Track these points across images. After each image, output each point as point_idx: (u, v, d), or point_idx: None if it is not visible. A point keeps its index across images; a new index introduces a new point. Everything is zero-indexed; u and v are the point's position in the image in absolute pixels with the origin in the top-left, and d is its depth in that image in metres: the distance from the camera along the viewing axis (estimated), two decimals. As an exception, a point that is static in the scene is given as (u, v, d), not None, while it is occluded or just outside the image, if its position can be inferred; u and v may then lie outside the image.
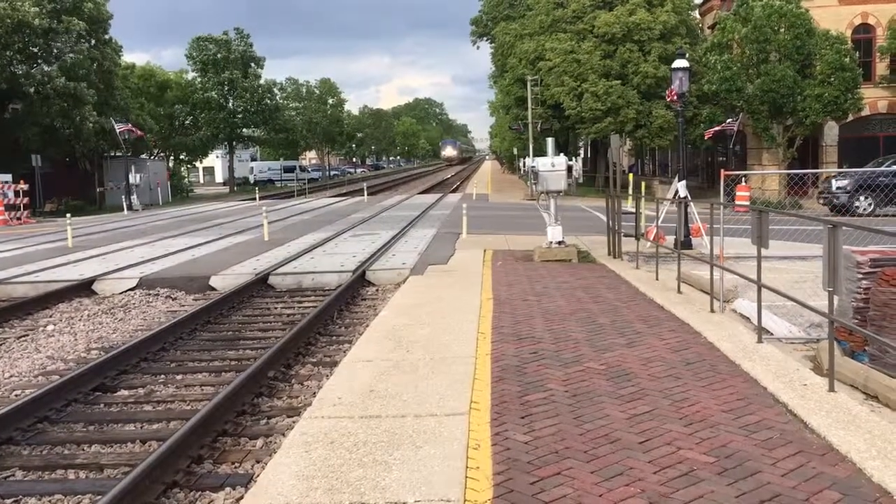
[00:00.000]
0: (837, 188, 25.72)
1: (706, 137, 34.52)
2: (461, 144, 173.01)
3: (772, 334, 8.29)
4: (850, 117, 34.14)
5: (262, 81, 68.79)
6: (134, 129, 40.12)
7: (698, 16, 46.39)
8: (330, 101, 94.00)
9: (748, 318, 9.11)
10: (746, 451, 4.86)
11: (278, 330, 10.10)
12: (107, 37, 43.91)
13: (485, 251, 15.73)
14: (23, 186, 33.02)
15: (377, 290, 12.89)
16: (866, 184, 24.35)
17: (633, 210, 17.18)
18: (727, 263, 10.26)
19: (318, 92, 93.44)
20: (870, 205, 24.68)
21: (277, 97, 75.92)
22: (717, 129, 33.18)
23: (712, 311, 9.30)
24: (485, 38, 52.31)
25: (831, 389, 5.95)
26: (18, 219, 32.09)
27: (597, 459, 4.77)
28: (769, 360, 6.96)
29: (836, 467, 4.60)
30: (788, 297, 7.53)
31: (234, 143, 69.90)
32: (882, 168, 25.60)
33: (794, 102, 32.44)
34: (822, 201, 26.40)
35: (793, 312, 9.10)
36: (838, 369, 6.33)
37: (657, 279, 11.81)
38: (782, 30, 32.63)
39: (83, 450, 6.07)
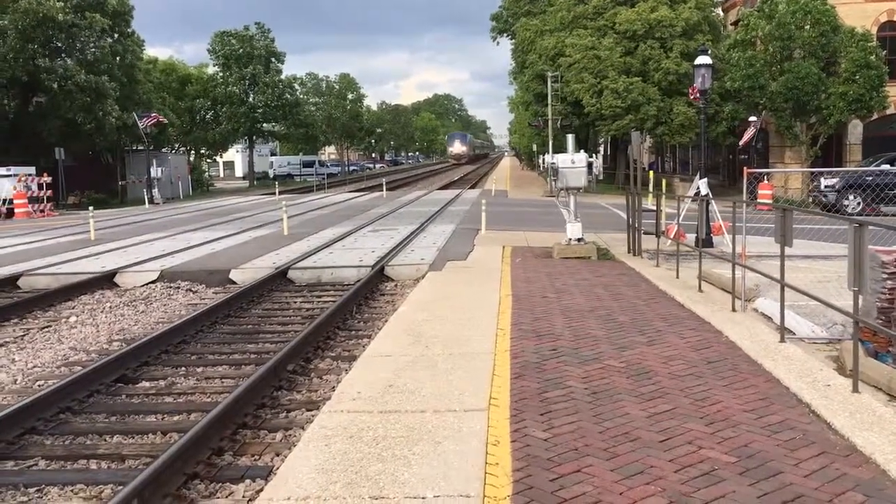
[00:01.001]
0: (826, 187, 25.80)
1: (742, 144, 33.78)
2: (473, 139, 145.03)
3: (794, 334, 8.21)
4: (875, 115, 33.75)
5: (282, 76, 69.10)
6: (157, 116, 40.33)
7: (721, 12, 46.01)
8: (349, 96, 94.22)
9: (770, 317, 9.03)
10: (769, 451, 4.82)
11: (297, 324, 10.14)
12: (129, 30, 44.24)
13: (504, 247, 15.70)
14: (46, 179, 33.36)
15: (396, 286, 12.90)
16: (855, 183, 24.35)
17: (654, 207, 17.10)
18: (748, 262, 10.17)
19: (337, 87, 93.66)
20: (858, 204, 24.70)
21: (297, 92, 76.22)
22: (748, 136, 32.51)
23: (734, 309, 9.23)
24: (505, 34, 52.20)
25: (855, 390, 5.89)
26: (42, 211, 32.43)
27: (617, 457, 4.74)
28: (792, 359, 6.89)
29: (860, 469, 4.55)
30: (812, 296, 7.46)
31: (254, 137, 70.26)
32: (870, 168, 25.59)
33: (818, 100, 32.10)
34: (811, 200, 26.29)
35: (815, 312, 9.00)
36: (862, 370, 6.25)
37: (677, 277, 11.74)
38: (807, 27, 32.28)
39: (105, 440, 6.13)
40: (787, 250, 7.86)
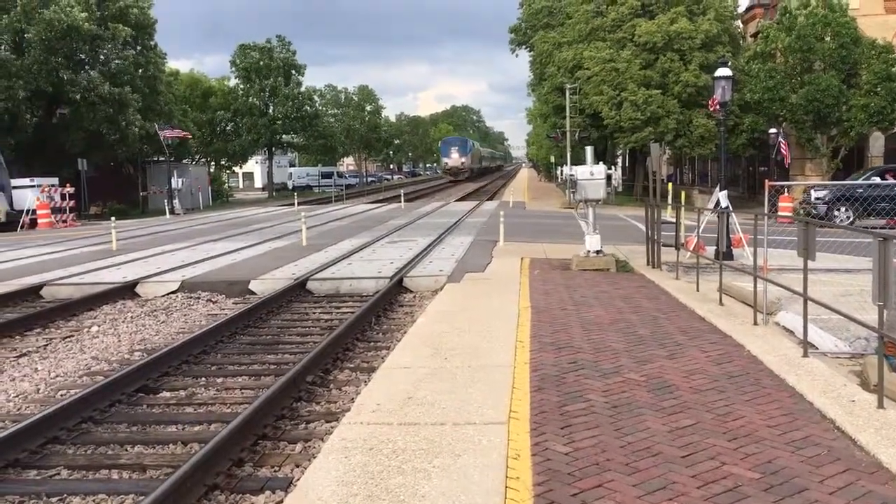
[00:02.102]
0: (816, 199, 25.91)
1: (786, 163, 33.24)
2: (478, 147, 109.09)
3: (817, 348, 8.13)
4: (897, 128, 33.47)
5: (302, 88, 69.60)
6: (183, 133, 40.67)
7: (741, 24, 45.85)
8: (368, 107, 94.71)
9: (792, 331, 8.95)
10: (793, 467, 4.77)
11: (316, 335, 10.16)
12: (151, 43, 44.76)
13: (522, 259, 15.68)
14: (69, 190, 33.71)
15: (414, 297, 12.91)
16: (844, 195, 24.38)
17: (673, 220, 17.01)
18: (770, 275, 10.08)
19: (356, 99, 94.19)
20: (848, 216, 24.70)
21: (317, 104, 76.73)
22: (785, 151, 32.07)
23: (755, 323, 9.15)
24: (523, 47, 52.14)
25: (880, 406, 5.81)
26: (64, 221, 32.76)
27: (638, 472, 4.71)
28: (815, 374, 6.82)
29: (886, 486, 4.49)
30: (835, 310, 7.38)
31: (273, 149, 70.74)
32: (859, 181, 25.67)
33: (838, 112, 31.87)
34: (801, 212, 26.19)
35: (838, 326, 8.90)
36: (887, 385, 6.17)
37: (698, 290, 11.66)
38: (827, 39, 32.11)
39: (126, 450, 6.16)
40: (809, 264, 7.79)
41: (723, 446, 5.13)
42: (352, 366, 8.63)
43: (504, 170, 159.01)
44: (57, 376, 8.46)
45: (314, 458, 5.30)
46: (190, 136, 40.35)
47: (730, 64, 17.10)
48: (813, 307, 7.80)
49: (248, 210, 43.26)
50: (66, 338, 10.32)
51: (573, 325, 9.19)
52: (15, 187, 33.14)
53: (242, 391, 7.76)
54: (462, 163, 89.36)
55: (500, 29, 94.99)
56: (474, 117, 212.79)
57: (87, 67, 41.23)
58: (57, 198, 32.93)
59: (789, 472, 4.70)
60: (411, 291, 13.31)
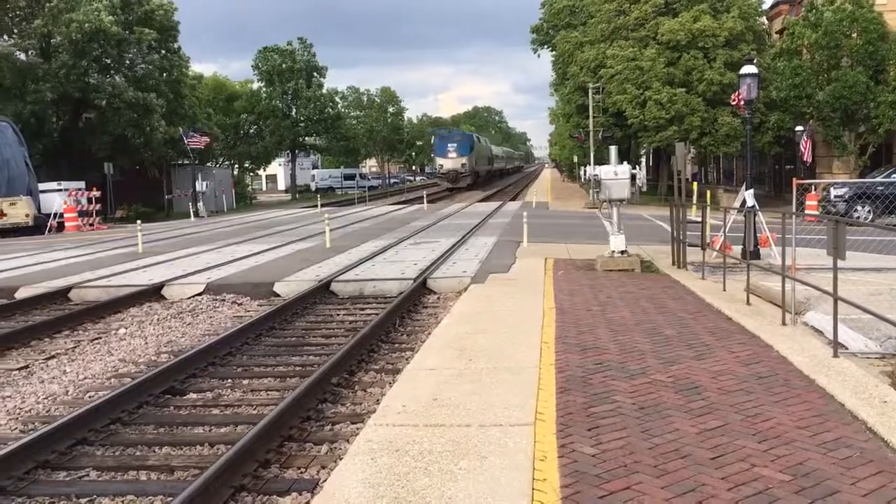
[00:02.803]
0: (835, 196, 25.46)
1: (806, 162, 32.91)
2: (484, 145, 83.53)
3: (847, 348, 8.01)
4: (926, 124, 32.96)
5: (324, 91, 69.94)
6: (205, 140, 40.94)
7: (766, 21, 45.41)
8: (390, 109, 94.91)
9: (821, 331, 8.83)
10: (824, 469, 4.69)
11: (341, 336, 10.18)
12: (175, 46, 45.20)
13: (546, 260, 15.61)
14: (95, 193, 34.11)
15: (438, 298, 12.90)
16: (864, 193, 23.99)
17: (698, 219, 16.86)
18: (798, 274, 9.96)
19: (378, 101, 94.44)
20: (868, 213, 24.30)
21: (339, 106, 77.07)
22: (806, 149, 31.70)
23: (784, 323, 9.03)
24: (545, 47, 52.01)
25: (913, 407, 5.71)
26: (91, 225, 33.14)
27: (667, 475, 4.66)
28: (846, 374, 6.72)
29: (922, 489, 4.40)
30: (866, 309, 7.27)
31: (296, 151, 71.13)
32: (879, 179, 25.21)
33: (866, 109, 31.46)
34: (820, 210, 25.85)
35: (868, 326, 8.77)
36: (920, 386, 6.07)
37: (724, 290, 11.55)
38: (854, 35, 31.70)
39: (154, 451, 6.20)
40: (839, 262, 7.68)
41: (752, 448, 5.06)
42: (376, 367, 8.63)
43: (524, 171, 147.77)
44: (85, 378, 8.54)
45: (340, 459, 5.30)
46: (209, 141, 40.47)
47: (755, 61, 16.90)
48: (842, 307, 7.68)
49: (272, 212, 43.51)
50: (94, 340, 10.42)
51: (598, 326, 9.13)
52: (42, 191, 33.57)
53: (268, 393, 7.79)
54: (463, 164, 65.51)
55: (522, 29, 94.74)
56: (496, 118, 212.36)
57: (112, 72, 41.72)
58: (83, 201, 33.33)
59: (820, 474, 4.62)
60: (435, 293, 13.30)
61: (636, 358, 7.53)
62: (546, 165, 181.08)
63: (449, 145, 65.85)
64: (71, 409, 7.09)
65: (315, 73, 68.38)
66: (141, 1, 41.80)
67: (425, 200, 43.21)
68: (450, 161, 65.58)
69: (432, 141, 69.93)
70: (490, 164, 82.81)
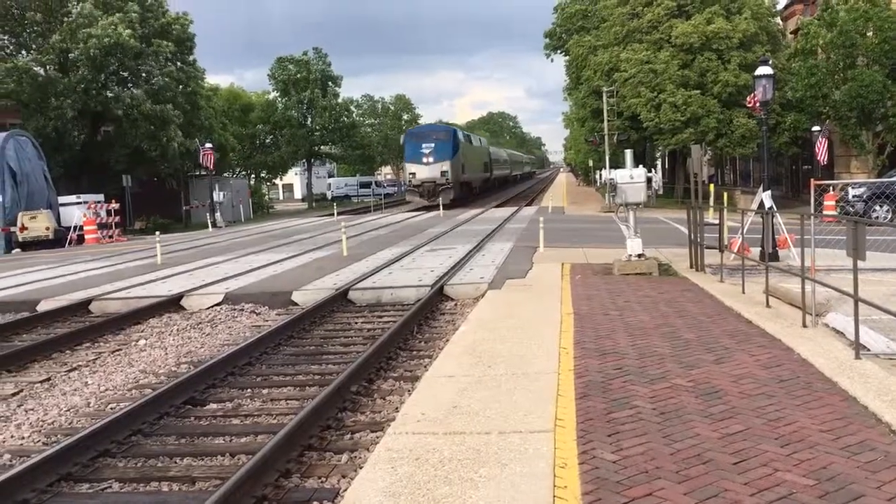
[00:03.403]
0: (854, 196, 25.23)
1: (821, 163, 32.64)
2: (482, 144, 68.05)
3: (869, 350, 7.93)
4: (945, 122, 32.62)
5: (339, 99, 70.28)
6: (209, 151, 41.11)
7: (780, 21, 45.16)
8: (405, 116, 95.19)
9: (842, 332, 8.75)
10: (848, 473, 4.65)
11: (359, 344, 10.20)
12: (191, 58, 45.58)
13: (563, 265, 15.58)
14: (114, 206, 34.41)
15: (456, 305, 12.90)
16: (882, 192, 23.75)
17: (715, 221, 16.77)
18: (817, 276, 9.89)
19: (392, 108, 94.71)
20: (887, 213, 24.05)
21: (354, 114, 77.40)
22: (821, 150, 31.46)
23: (804, 325, 8.96)
24: (559, 51, 52.01)
25: (938, 409, 5.64)
26: (110, 237, 33.42)
27: (689, 480, 4.62)
28: (868, 376, 6.65)
29: (948, 492, 4.35)
30: (887, 310, 7.20)
31: (312, 160, 71.46)
32: None
33: (883, 108, 31.18)
34: (838, 210, 25.59)
35: (890, 327, 8.68)
36: (945, 388, 6.00)
37: (743, 292, 11.47)
38: (869, 34, 31.45)
39: (175, 462, 6.23)
40: (859, 263, 7.61)
41: (775, 452, 5.02)
42: (395, 375, 8.64)
43: (536, 177, 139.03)
44: (106, 390, 8.61)
45: (360, 468, 5.31)
46: (209, 153, 40.42)
47: (770, 62, 16.81)
48: (864, 308, 7.62)
49: (289, 221, 43.68)
50: (115, 351, 10.50)
51: (617, 331, 9.09)
52: (62, 204, 33.91)
53: (287, 402, 7.81)
54: (443, 173, 46.86)
55: (535, 34, 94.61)
56: (511, 123, 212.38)
57: (130, 84, 42.14)
58: (103, 214, 33.62)
59: (845, 478, 4.58)
60: (452, 299, 13.30)
61: (655, 362, 7.49)
62: (561, 170, 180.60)
63: (423, 146, 46.60)
64: (93, 421, 7.13)
65: (330, 83, 68.74)
66: (157, 14, 42.20)
67: (441, 207, 43.20)
68: (425, 168, 46.15)
69: (401, 141, 50.94)
70: (487, 171, 64.28)
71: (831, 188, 26.10)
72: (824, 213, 22.40)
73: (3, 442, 6.97)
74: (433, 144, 46.71)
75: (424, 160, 46.56)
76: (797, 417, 5.69)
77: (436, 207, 43.04)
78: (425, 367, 8.54)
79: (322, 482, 5.70)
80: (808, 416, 5.73)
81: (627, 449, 5.17)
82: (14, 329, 12.12)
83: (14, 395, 8.52)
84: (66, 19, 38.72)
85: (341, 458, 6.16)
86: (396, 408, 7.05)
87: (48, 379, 9.12)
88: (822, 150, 31.22)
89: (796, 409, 5.88)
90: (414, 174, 46.97)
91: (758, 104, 15.71)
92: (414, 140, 48.41)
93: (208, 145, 41.28)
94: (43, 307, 13.86)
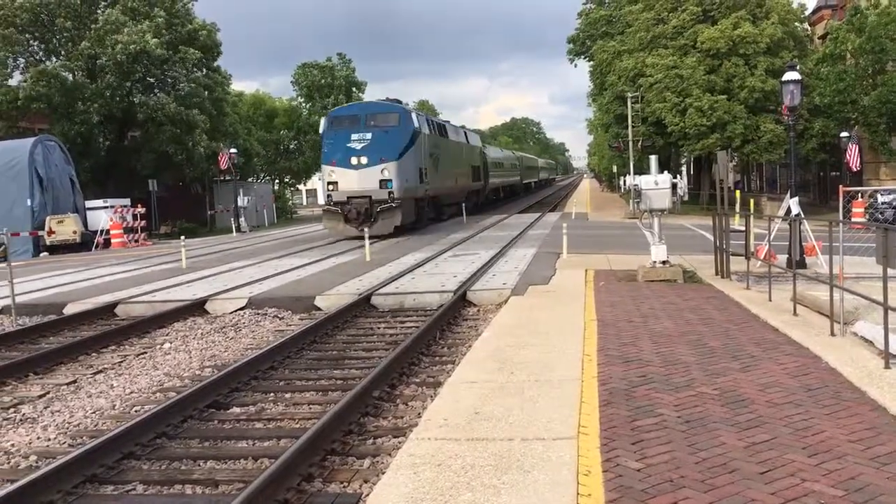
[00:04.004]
0: (883, 203, 24.86)
1: (852, 169, 32.18)
2: (459, 138, 38.20)
3: (899, 359, 7.79)
4: (977, 127, 32.14)
5: (364, 105, 70.47)
6: (224, 154, 41.26)
7: (808, 26, 44.74)
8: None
9: (871, 341, 8.61)
10: (878, 484, 4.56)
11: (382, 350, 10.20)
12: (216, 64, 45.98)
13: (586, 271, 15.49)
14: (140, 210, 34.73)
15: (478, 311, 12.87)
16: None
17: (741, 228, 16.60)
18: (846, 283, 9.74)
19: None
20: None
21: (377, 120, 77.48)
22: (853, 156, 31.06)
23: (832, 333, 8.84)
24: (582, 57, 51.87)
25: (971, 420, 5.53)
26: (136, 241, 33.73)
27: (714, 490, 4.56)
28: (898, 387, 6.54)
29: (982, 506, 4.25)
30: (918, 319, 7.08)
31: (336, 165, 71.63)
32: None
33: (914, 114, 30.79)
34: (867, 217, 25.19)
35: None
36: (978, 398, 5.88)
37: (770, 300, 11.34)
38: (899, 38, 31.08)
39: (199, 465, 6.26)
40: (889, 271, 7.49)
41: (803, 462, 4.95)
42: (418, 380, 8.63)
43: (556, 184, 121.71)
44: (131, 393, 8.67)
45: (383, 473, 5.30)
46: (229, 155, 40.48)
47: (798, 67, 16.65)
48: (893, 316, 7.49)
49: (313, 226, 43.83)
50: (140, 354, 10.59)
51: (641, 338, 9.02)
52: (89, 208, 34.27)
53: (310, 406, 7.82)
54: (383, 183, 26.50)
55: (557, 40, 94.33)
56: (534, 129, 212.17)
57: (156, 90, 42.59)
58: (129, 218, 33.94)
59: (874, 489, 4.50)
60: (475, 305, 13.28)
61: (680, 370, 7.42)
62: (585, 176, 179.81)
63: (353, 138, 27.35)
64: (118, 424, 7.19)
65: (354, 88, 68.99)
66: (184, 21, 42.61)
67: (464, 212, 43.20)
68: (352, 176, 26.92)
69: (320, 129, 30.08)
70: (478, 179, 44.47)
71: (860, 195, 25.78)
72: (853, 219, 22.11)
73: (30, 443, 7.05)
74: (370, 135, 27.17)
75: (353, 161, 26.74)
76: (825, 427, 5.61)
77: (458, 212, 36.38)
78: (448, 372, 8.52)
79: (344, 487, 5.70)
80: (837, 425, 5.64)
81: (652, 457, 5.12)
82: (41, 331, 12.27)
83: (41, 396, 8.62)
84: (94, 26, 39.23)
85: (364, 462, 6.16)
86: (419, 413, 7.04)
87: (74, 381, 9.21)
88: (853, 156, 30.82)
89: (824, 419, 5.79)
90: (333, 186, 27.06)
91: (786, 109, 15.55)
92: (338, 127, 28.07)
93: (233, 150, 41.56)
94: (69, 310, 14.01)
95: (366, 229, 20.82)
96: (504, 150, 71.79)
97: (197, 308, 13.65)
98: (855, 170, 32.24)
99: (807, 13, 42.88)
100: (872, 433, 5.44)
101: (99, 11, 40.07)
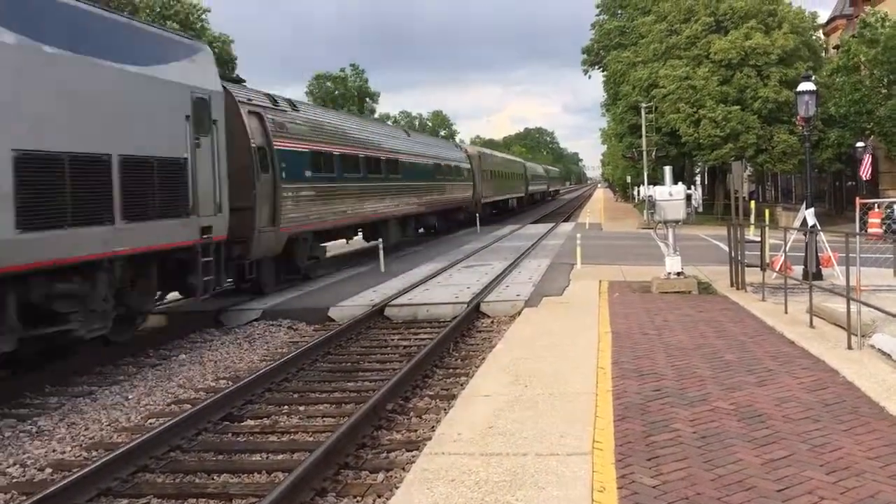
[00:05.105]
0: None
1: (867, 178, 31.90)
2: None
3: (918, 373, 7.71)
4: None
5: (376, 115, 70.85)
6: None
7: (822, 35, 44.53)
8: (441, 133, 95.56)
9: (889, 354, 8.52)
10: (898, 503, 4.51)
11: (395, 362, 10.20)
12: (234, 75, 46.30)
13: (600, 282, 15.43)
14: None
15: (492, 322, 12.84)
16: None
17: (757, 239, 16.49)
18: (863, 296, 9.66)
19: (430, 124, 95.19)
20: None
21: (390, 130, 77.78)
22: (867, 166, 30.83)
23: (849, 347, 8.75)
24: (596, 67, 51.91)
25: None
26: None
27: (731, 507, 4.52)
28: (917, 402, 6.46)
29: None
30: (937, 334, 7.00)
31: (349, 175, 71.98)
32: None
33: (930, 124, 30.52)
34: (883, 228, 24.89)
35: (940, 349, 8.45)
36: None
37: (786, 312, 11.25)
38: (914, 49, 30.83)
39: (213, 479, 6.27)
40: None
41: (820, 480, 4.89)
42: (431, 393, 8.61)
43: (559, 197, 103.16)
44: (147, 405, 8.70)
45: (396, 488, 5.29)
46: None
47: (813, 78, 16.55)
48: (912, 330, 7.42)
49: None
50: (155, 366, 10.61)
51: (656, 351, 8.97)
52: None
53: (324, 419, 7.83)
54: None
55: (573, 50, 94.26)
56: (548, 139, 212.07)
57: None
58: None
59: (894, 508, 4.44)
60: (489, 316, 13.25)
61: (696, 384, 7.37)
62: (599, 185, 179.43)
63: None
64: (132, 436, 7.21)
65: (368, 99, 69.36)
66: (199, 34, 42.93)
67: (478, 223, 43.17)
68: None
69: None
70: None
71: (876, 205, 25.56)
72: (869, 231, 21.92)
73: (46, 455, 7.08)
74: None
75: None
76: (843, 443, 5.55)
77: (472, 223, 39.09)
78: (461, 385, 8.51)
79: (358, 501, 5.69)
80: (855, 441, 5.58)
81: (667, 474, 5.08)
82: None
83: (57, 408, 8.64)
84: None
85: (377, 477, 6.15)
86: (433, 427, 7.02)
87: (91, 393, 9.24)
88: (865, 167, 30.57)
89: (842, 435, 5.73)
90: None
91: (801, 120, 15.46)
92: None
93: None
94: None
95: (380, 240, 20.69)
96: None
97: (212, 319, 13.66)
98: (865, 179, 31.94)
99: (818, 21, 42.65)
100: (891, 450, 5.38)
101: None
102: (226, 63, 44.59)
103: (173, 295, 13.66)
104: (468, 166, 39.02)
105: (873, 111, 31.60)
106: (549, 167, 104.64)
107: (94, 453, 7.02)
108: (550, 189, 77.25)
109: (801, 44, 37.99)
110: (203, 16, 44.06)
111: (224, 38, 44.83)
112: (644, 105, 40.28)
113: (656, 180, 32.42)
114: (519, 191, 56.64)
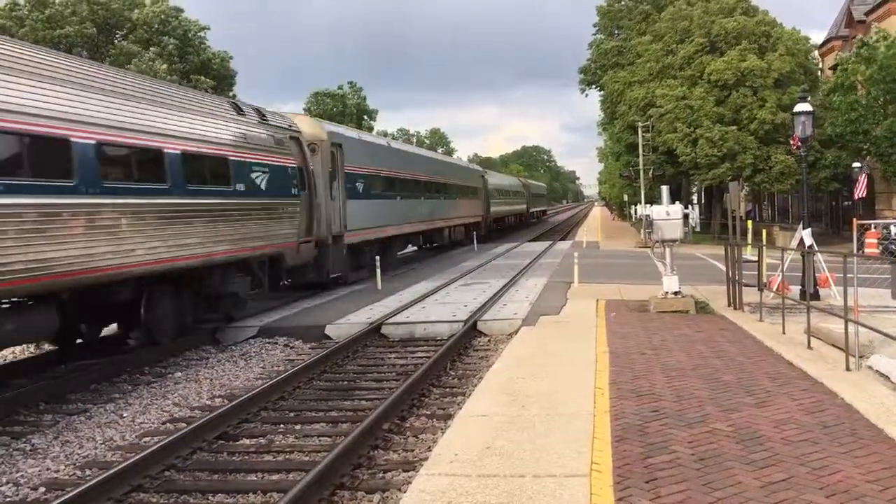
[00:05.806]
0: None
1: (858, 197, 32.00)
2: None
3: (916, 395, 7.68)
4: None
5: (374, 133, 71.00)
6: None
7: (818, 56, 44.81)
8: (439, 150, 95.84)
9: (887, 375, 8.49)
10: (898, 527, 4.47)
11: (392, 380, 10.16)
12: (231, 94, 46.44)
13: (597, 301, 15.42)
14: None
15: (489, 341, 12.81)
16: None
17: (754, 258, 16.50)
18: (861, 317, 9.64)
19: (428, 142, 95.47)
20: None
21: (389, 148, 77.98)
22: (861, 186, 30.93)
23: (848, 368, 8.74)
24: (594, 86, 52.12)
25: None
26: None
27: (730, 531, 4.48)
28: (916, 424, 6.43)
29: None
30: (935, 355, 6.98)
31: (347, 193, 72.00)
32: None
33: (926, 144, 30.65)
34: (879, 248, 24.94)
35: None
36: None
37: (783, 332, 11.24)
38: (911, 68, 31.01)
39: (208, 499, 6.22)
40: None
41: (820, 503, 4.86)
42: (428, 413, 8.57)
43: (556, 215, 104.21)
44: (142, 423, 8.65)
45: (392, 510, 5.24)
46: None
47: (809, 99, 16.63)
48: (910, 352, 7.41)
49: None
50: (151, 384, 10.56)
51: (653, 371, 8.94)
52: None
53: (320, 438, 7.78)
54: None
55: (570, 69, 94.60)
56: (545, 157, 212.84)
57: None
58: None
59: (895, 532, 4.41)
60: (485, 335, 13.22)
61: (694, 405, 7.34)
62: (596, 203, 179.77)
63: None
64: (127, 455, 7.16)
65: (366, 116, 69.53)
66: (198, 51, 43.14)
67: (475, 241, 43.17)
68: None
69: None
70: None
71: (873, 226, 25.63)
72: (866, 251, 21.94)
73: (39, 474, 7.02)
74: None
75: None
76: (842, 466, 5.52)
77: (469, 241, 41.99)
78: (458, 405, 8.47)
79: (353, 523, 5.63)
80: (854, 464, 5.54)
81: (666, 497, 5.04)
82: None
83: (51, 426, 8.58)
84: (109, 57, 39.81)
85: (373, 498, 6.10)
86: (429, 447, 6.98)
87: (85, 410, 9.19)
88: (860, 187, 30.65)
89: (841, 457, 5.70)
90: None
91: (798, 140, 15.52)
92: None
93: None
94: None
95: (377, 258, 20.75)
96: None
97: (207, 337, 13.62)
98: (857, 198, 32.00)
99: (811, 42, 42.89)
100: (890, 473, 5.35)
101: (116, 41, 40.66)
102: (224, 78, 44.78)
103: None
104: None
105: (869, 131, 31.76)
106: (540, 184, 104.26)
107: (89, 472, 6.96)
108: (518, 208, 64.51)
109: (796, 66, 38.23)
110: (201, 33, 44.25)
111: (223, 54, 45.00)
112: (641, 124, 40.44)
113: (654, 199, 32.57)
114: (520, 207, 60.99)
